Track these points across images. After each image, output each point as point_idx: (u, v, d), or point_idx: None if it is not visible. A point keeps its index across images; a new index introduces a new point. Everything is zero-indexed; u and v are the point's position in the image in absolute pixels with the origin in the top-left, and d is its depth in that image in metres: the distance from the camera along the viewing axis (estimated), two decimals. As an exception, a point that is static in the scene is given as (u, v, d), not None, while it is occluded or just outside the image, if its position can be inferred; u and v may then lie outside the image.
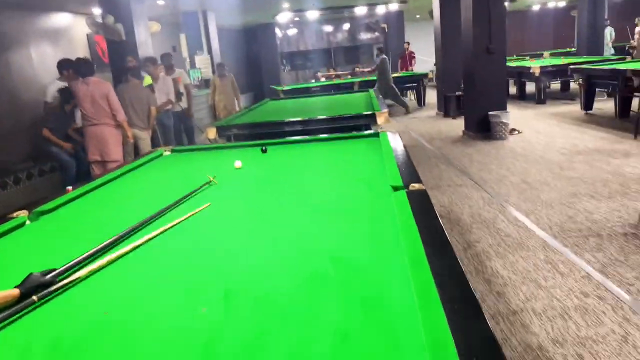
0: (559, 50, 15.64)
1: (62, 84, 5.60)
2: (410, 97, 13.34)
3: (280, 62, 17.19)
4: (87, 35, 8.02)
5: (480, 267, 3.05)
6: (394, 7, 12.92)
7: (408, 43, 14.38)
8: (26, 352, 1.07)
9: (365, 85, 10.17)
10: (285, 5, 11.72)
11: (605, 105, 8.61)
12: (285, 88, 11.40)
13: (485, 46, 7.12)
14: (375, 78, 10.72)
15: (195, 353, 1.00)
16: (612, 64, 8.44)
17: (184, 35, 10.85)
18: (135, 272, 1.45)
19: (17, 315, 1.20)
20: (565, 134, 6.86)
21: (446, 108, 9.80)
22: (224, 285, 1.30)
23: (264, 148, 3.20)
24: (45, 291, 1.28)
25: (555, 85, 11.49)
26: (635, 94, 6.83)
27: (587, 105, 8.31)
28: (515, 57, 14.71)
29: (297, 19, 15.35)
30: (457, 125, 8.33)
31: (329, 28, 17.33)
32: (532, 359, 2.09)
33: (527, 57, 13.80)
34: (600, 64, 8.63)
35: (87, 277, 1.40)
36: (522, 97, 11.03)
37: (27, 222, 2.06)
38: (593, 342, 2.19)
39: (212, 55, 10.84)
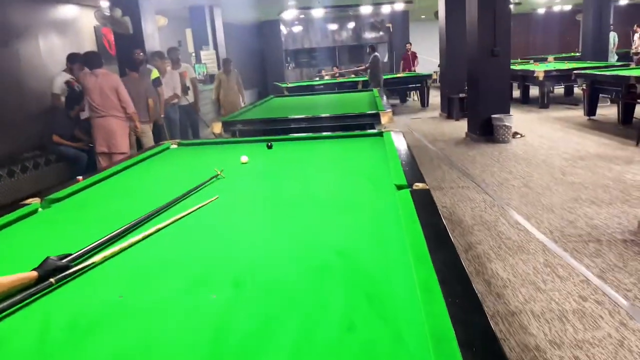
0: (564, 55, 15.66)
1: (69, 76, 5.67)
2: (414, 98, 13.38)
3: (285, 60, 17.23)
4: (94, 27, 8.06)
5: (480, 268, 3.10)
6: (399, 6, 12.92)
7: (410, 44, 14.41)
8: (45, 330, 1.12)
9: (368, 85, 10.21)
10: (291, 2, 11.75)
11: (608, 111, 8.64)
12: (289, 85, 11.45)
13: (489, 49, 7.15)
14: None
15: (206, 336, 1.05)
16: (615, 70, 8.47)
17: (189, 30, 10.89)
18: (148, 259, 1.50)
19: (36, 297, 1.25)
20: (567, 139, 6.90)
21: (449, 110, 9.84)
22: (233, 273, 1.35)
23: (269, 144, 3.24)
24: (62, 274, 1.33)
25: (559, 89, 11.52)
26: (639, 100, 6.86)
27: (590, 110, 8.34)
28: (519, 60, 14.72)
29: (302, 16, 15.37)
30: (460, 127, 8.37)
31: (334, 26, 17.35)
32: None
33: (532, 61, 13.82)
34: (604, 69, 8.67)
35: (101, 262, 1.45)
36: (525, 101, 11.06)
37: (39, 209, 2.11)
38: (590, 345, 2.23)
39: (217, 50, 10.88)
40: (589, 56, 12.66)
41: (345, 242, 1.53)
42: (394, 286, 1.21)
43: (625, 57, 13.47)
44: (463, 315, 1.01)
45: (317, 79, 13.41)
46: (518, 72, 10.79)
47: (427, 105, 11.90)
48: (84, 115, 5.78)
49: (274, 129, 4.40)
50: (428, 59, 15.65)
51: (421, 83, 11.94)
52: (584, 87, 8.36)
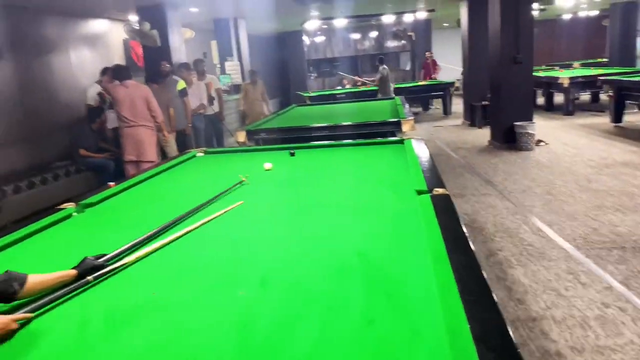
0: (590, 61, 15.42)
1: (100, 88, 5.89)
2: (436, 106, 13.35)
3: (307, 69, 17.40)
4: (123, 40, 8.32)
5: (501, 274, 3.10)
6: (421, 15, 12.96)
7: (430, 52, 14.39)
8: (84, 322, 1.21)
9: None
10: (314, 13, 11.90)
11: (635, 117, 8.49)
12: (312, 94, 11.57)
13: (512, 56, 7.13)
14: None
15: (233, 329, 1.12)
16: (643, 76, 8.33)
17: (215, 41, 11.12)
18: (178, 260, 1.58)
19: (75, 292, 1.34)
20: (593, 146, 6.81)
21: (472, 117, 9.80)
22: (259, 273, 1.42)
23: (292, 152, 3.32)
24: (99, 272, 1.42)
25: (585, 96, 11.35)
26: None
27: (617, 117, 8.21)
28: (544, 67, 14.56)
29: (325, 26, 15.53)
30: (483, 135, 8.33)
31: (356, 36, 17.47)
32: (550, 364, 2.15)
33: (557, 67, 13.66)
34: (631, 75, 8.53)
35: (134, 262, 1.54)
36: (549, 108, 10.93)
37: (74, 213, 2.22)
38: (611, 351, 2.23)
39: (241, 61, 11.07)
40: (616, 62, 12.46)
41: (365, 244, 1.59)
42: (412, 285, 1.26)
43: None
44: (478, 313, 1.05)
45: (339, 88, 13.50)
46: (542, 78, 10.68)
47: (450, 113, 11.86)
48: (112, 125, 5.98)
49: (296, 137, 4.48)
50: (450, 67, 15.60)
51: (443, 91, 11.92)
52: (610, 94, 8.24)
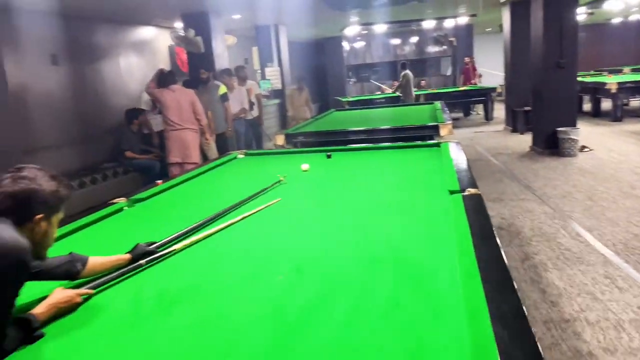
0: (642, 66, 14.85)
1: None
2: (478, 112, 13.19)
3: (347, 75, 17.49)
4: (168, 46, 8.67)
5: (536, 277, 3.10)
6: (463, 20, 12.86)
7: (469, 57, 14.23)
8: (138, 300, 1.34)
9: (432, 98, 10.21)
10: (354, 19, 12.00)
11: (687, 124, 8.15)
12: (350, 99, 11.66)
13: (555, 60, 7.01)
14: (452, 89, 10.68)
15: (270, 310, 1.23)
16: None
17: (256, 48, 11.40)
18: (221, 249, 1.71)
19: (130, 274, 1.48)
20: (640, 152, 6.61)
21: (514, 123, 9.65)
22: (295, 261, 1.52)
23: (328, 154, 3.42)
24: (150, 257, 1.56)
25: (635, 102, 10.96)
26: None
27: (667, 123, 7.92)
28: (592, 72, 14.14)
29: (364, 32, 15.60)
30: (525, 140, 8.20)
31: (396, 41, 17.44)
32: (581, 363, 2.16)
33: (605, 73, 13.24)
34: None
35: (182, 249, 1.67)
36: (596, 114, 10.63)
37: (125, 207, 2.39)
38: (646, 353, 2.21)
39: (281, 67, 11.30)
40: (668, 67, 11.98)
41: (396, 238, 1.67)
42: (438, 274, 1.34)
43: None
44: (496, 295, 1.12)
45: (378, 93, 13.53)
46: (588, 84, 10.40)
47: (492, 118, 11.70)
48: (157, 128, 6.25)
49: (333, 141, 4.57)
50: (493, 72, 15.36)
51: (485, 96, 11.78)
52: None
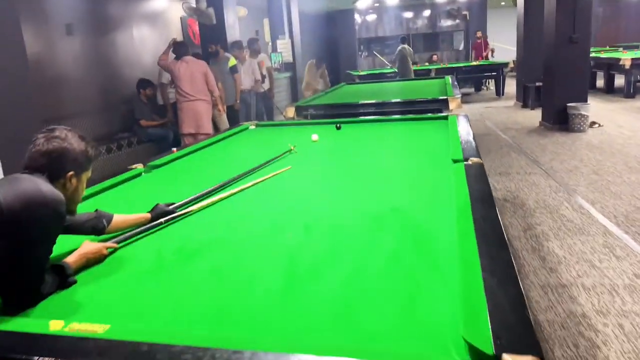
0: (660, 42, 14.57)
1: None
2: (489, 87, 13.10)
3: (358, 48, 17.36)
4: (181, 18, 8.69)
5: (537, 246, 3.19)
6: (477, -7, 12.72)
7: (481, 32, 14.04)
8: (160, 253, 1.46)
9: (443, 72, 10.16)
10: (366, -9, 11.89)
11: (701, 101, 8.07)
12: (361, 73, 11.64)
13: (568, 35, 6.95)
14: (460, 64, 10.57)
15: (281, 263, 1.34)
16: None
17: (267, 20, 11.36)
18: (235, 210, 1.83)
19: (151, 232, 1.61)
20: (650, 128, 6.59)
21: (525, 98, 9.61)
22: (303, 221, 1.64)
23: (338, 125, 3.50)
24: (169, 217, 1.68)
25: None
26: None
27: (680, 100, 7.86)
28: (607, 48, 13.92)
29: (377, 4, 15.43)
30: (535, 116, 8.19)
31: (408, 14, 17.23)
32: (574, 325, 2.27)
33: (621, 49, 13.03)
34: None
35: (198, 210, 1.79)
36: (610, 90, 10.53)
37: (143, 173, 2.51)
38: (636, 315, 2.31)
39: (292, 39, 11.27)
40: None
41: (399, 201, 1.77)
42: (436, 232, 1.45)
43: None
44: (489, 250, 1.22)
45: (389, 66, 13.46)
46: (602, 60, 10.28)
47: (503, 94, 11.63)
48: (172, 99, 6.34)
49: (343, 114, 4.63)
50: (506, 47, 15.17)
51: (497, 72, 11.68)
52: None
